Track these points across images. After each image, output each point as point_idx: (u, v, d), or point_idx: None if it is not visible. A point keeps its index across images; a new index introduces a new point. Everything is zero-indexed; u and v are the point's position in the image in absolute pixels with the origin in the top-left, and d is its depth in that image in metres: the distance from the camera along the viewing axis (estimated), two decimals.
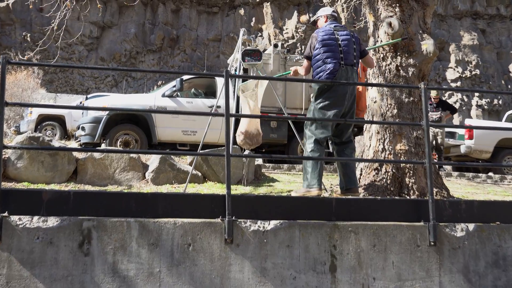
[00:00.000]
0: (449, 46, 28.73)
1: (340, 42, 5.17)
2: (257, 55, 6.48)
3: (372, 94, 6.10)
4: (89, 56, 27.24)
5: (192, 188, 6.22)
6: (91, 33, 27.35)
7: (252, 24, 28.30)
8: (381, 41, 5.99)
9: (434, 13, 26.37)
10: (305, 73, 5.34)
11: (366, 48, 5.59)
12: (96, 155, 6.38)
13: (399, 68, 5.90)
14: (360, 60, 5.39)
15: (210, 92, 10.66)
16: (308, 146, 5.10)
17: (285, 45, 25.97)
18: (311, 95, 5.44)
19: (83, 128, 9.19)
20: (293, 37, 27.22)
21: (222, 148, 7.17)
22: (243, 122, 6.12)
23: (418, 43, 5.91)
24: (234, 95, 9.31)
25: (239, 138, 6.09)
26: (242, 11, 28.57)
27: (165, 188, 6.20)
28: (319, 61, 5.14)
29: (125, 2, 23.88)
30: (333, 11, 5.61)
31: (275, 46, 10.17)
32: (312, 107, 5.23)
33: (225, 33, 28.19)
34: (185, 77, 9.95)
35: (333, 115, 5.08)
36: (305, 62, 5.32)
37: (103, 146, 9.01)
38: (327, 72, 5.06)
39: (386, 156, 5.72)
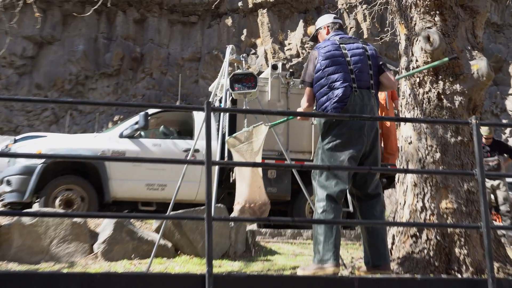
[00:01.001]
0: (509, 65, 29.20)
1: (349, 58, 5.28)
2: (250, 81, 6.55)
3: (405, 132, 6.14)
4: (21, 83, 27.43)
5: (160, 265, 6.15)
6: (24, 52, 27.64)
7: (243, 38, 28.77)
8: (417, 60, 6.08)
9: (487, 22, 26.93)
10: (309, 105, 5.40)
11: (397, 77, 5.70)
12: (26, 219, 6.31)
13: (442, 96, 5.97)
14: (382, 81, 5.43)
15: (186, 131, 10.68)
16: (318, 205, 5.08)
17: (287, 66, 26.34)
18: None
19: (8, 182, 9.14)
20: (298, 55, 27.64)
21: (202, 208, 7.12)
22: (242, 187, 6.16)
23: (467, 63, 6.00)
24: (218, 135, 9.34)
25: (238, 211, 6.10)
26: (229, 21, 29.10)
27: (122, 266, 6.12)
28: (324, 86, 5.23)
29: (73, 13, 24.24)
30: (335, 18, 5.77)
31: (274, 67, 10.31)
32: (320, 149, 5.27)
33: (206, 50, 28.61)
34: (151, 110, 10.02)
35: (349, 158, 5.11)
36: (307, 90, 5.42)
37: (35, 207, 8.93)
38: (335, 100, 5.14)
39: (427, 217, 5.70)
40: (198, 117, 10.09)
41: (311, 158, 10.06)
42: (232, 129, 9.42)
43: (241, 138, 6.26)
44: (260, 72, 24.43)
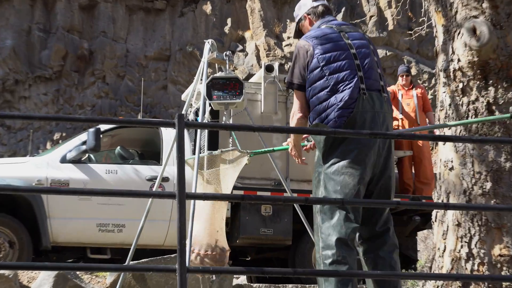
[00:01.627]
0: None
1: (355, 50, 5.27)
2: (234, 88, 6.59)
3: (445, 154, 6.17)
4: None
5: None
6: None
7: (226, 29, 28.88)
8: (459, 60, 6.12)
9: None
10: (303, 115, 5.33)
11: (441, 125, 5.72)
12: None
13: (493, 107, 6.00)
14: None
15: (151, 154, 10.67)
16: (325, 253, 5.00)
17: (286, 67, 26.42)
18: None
19: None
20: None
21: (172, 256, 7.09)
22: (197, 228, 6.18)
23: None
24: (194, 160, 9.34)
25: (192, 260, 6.13)
26: (208, 8, 29.21)
27: None
28: (324, 89, 5.13)
29: None
30: (314, 0, 5.67)
31: (269, 69, 10.34)
32: (321, 174, 5.16)
33: (178, 45, 28.67)
34: (103, 126, 10.01)
35: (358, 182, 5.05)
36: (297, 96, 5.29)
37: None
38: (339, 105, 5.08)
39: (475, 267, 5.71)
40: (167, 135, 10.07)
41: None
42: (213, 148, 9.42)
43: (210, 161, 6.29)
44: (250, 75, 24.35)
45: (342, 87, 5.12)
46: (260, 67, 12.12)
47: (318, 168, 5.20)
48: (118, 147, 10.33)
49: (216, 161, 6.29)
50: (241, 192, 9.28)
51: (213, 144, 9.71)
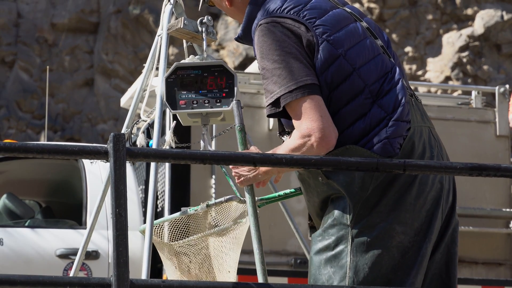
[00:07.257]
0: None
1: (365, 23, 5.45)
2: (219, 85, 6.63)
3: None
4: None
5: None
6: None
7: None
8: None
9: None
10: (334, 138, 5.18)
11: None
12: None
13: None
14: None
15: (63, 208, 10.77)
16: None
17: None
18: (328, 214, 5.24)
19: None
20: None
21: None
22: None
23: None
24: (143, 210, 9.44)
25: None
26: None
27: None
28: (356, 96, 5.13)
29: None
30: None
31: None
32: (345, 240, 5.12)
33: (112, 5, 28.98)
34: None
35: (421, 260, 5.09)
36: (313, 102, 5.06)
37: None
38: (394, 117, 5.09)
39: None
40: (95, 173, 10.14)
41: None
42: (180, 199, 9.50)
43: (182, 225, 6.38)
44: (248, 60, 24.43)
45: (386, 86, 5.20)
46: None
47: (337, 229, 5.10)
48: (4, 196, 10.41)
49: (199, 224, 6.38)
50: (233, 277, 9.36)
51: (179, 186, 9.77)
